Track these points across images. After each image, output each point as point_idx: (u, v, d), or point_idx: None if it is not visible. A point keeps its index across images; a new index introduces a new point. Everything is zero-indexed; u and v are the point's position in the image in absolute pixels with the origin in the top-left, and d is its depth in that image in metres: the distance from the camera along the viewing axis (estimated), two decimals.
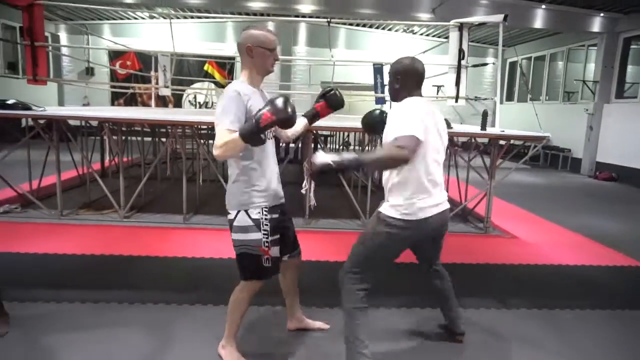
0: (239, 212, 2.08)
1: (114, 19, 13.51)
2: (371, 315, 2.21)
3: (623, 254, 4.40)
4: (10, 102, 4.37)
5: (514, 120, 11.91)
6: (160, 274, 3.41)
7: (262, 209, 2.08)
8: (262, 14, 11.72)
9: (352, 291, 2.16)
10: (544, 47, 12.69)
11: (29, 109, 4.47)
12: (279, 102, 1.83)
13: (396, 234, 2.10)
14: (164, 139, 7.77)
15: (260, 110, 1.84)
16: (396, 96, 2.21)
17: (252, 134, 1.84)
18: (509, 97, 14.61)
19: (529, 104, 10.10)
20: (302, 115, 2.42)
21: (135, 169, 7.35)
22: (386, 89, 8.96)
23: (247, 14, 12.56)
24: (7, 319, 2.47)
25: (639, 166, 9.15)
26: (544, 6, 9.58)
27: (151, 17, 13.42)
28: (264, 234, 2.08)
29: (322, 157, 1.82)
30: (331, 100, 2.39)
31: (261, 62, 2.07)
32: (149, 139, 8.09)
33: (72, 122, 5.83)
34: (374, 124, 2.51)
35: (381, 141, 2.29)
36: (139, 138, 7.41)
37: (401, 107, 2.10)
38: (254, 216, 2.07)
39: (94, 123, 6.81)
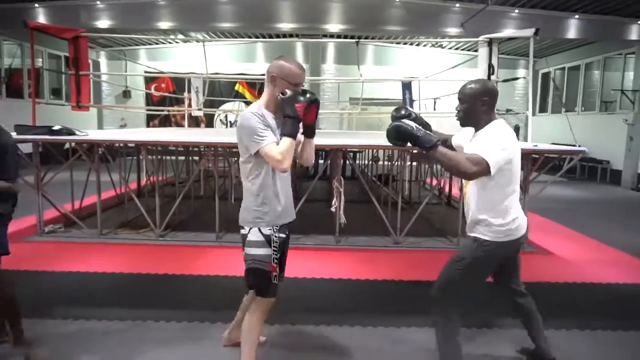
0: (251, 228, 2.16)
1: (150, 44, 14.12)
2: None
3: None
4: (56, 128, 4.62)
5: (548, 132, 11.61)
6: (196, 292, 3.49)
7: (272, 226, 2.15)
8: (291, 35, 11.99)
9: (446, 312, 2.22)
10: (579, 56, 12.38)
11: (73, 134, 4.71)
12: (298, 92, 2.01)
13: (490, 255, 2.16)
14: (196, 158, 7.98)
15: (290, 107, 1.98)
16: (478, 120, 2.17)
17: (295, 128, 2.00)
18: (543, 109, 14.27)
19: (563, 116, 9.84)
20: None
21: (170, 188, 7.58)
22: (415, 104, 8.96)
23: (277, 36, 12.89)
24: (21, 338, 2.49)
25: None
26: (577, 16, 9.38)
27: (184, 41, 13.94)
28: (273, 251, 2.15)
29: (409, 123, 2.01)
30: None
31: None
32: (182, 158, 8.35)
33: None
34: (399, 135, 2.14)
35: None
36: (173, 157, 7.67)
37: (493, 131, 2.09)
38: (265, 232, 2.14)
39: (132, 144, 7.09)
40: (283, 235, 2.20)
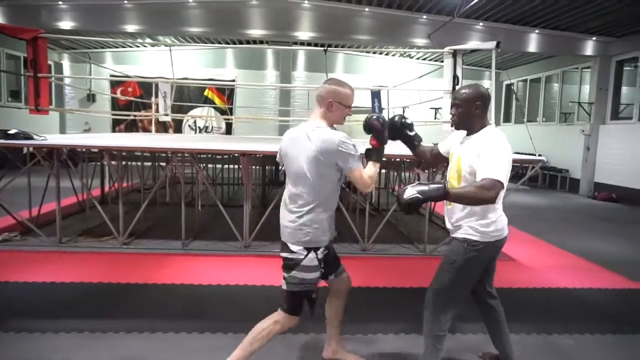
0: (309, 251, 2.11)
1: (116, 47, 13.78)
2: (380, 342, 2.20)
3: (624, 276, 4.38)
4: (12, 131, 4.43)
5: (511, 141, 11.99)
6: (158, 302, 3.40)
7: (323, 248, 2.16)
8: (261, 42, 11.97)
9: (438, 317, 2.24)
10: (540, 69, 12.90)
11: (31, 138, 4.53)
12: (380, 119, 2.21)
13: (480, 256, 2.20)
14: (163, 164, 7.82)
15: (380, 132, 2.18)
16: (472, 124, 2.22)
17: (382, 154, 2.20)
18: (507, 119, 14.75)
19: (525, 126, 10.22)
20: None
21: (135, 194, 7.39)
22: (384, 112, 9.08)
23: (248, 42, 12.83)
24: None
25: (637, 186, 9.17)
26: (537, 31, 9.79)
27: (152, 45, 13.69)
28: (321, 272, 2.18)
29: (410, 192, 1.94)
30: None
31: (336, 116, 2.17)
32: (149, 163, 8.16)
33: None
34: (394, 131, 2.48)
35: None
36: (139, 163, 7.48)
37: (491, 139, 2.14)
38: (319, 256, 2.13)
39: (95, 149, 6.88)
40: (327, 252, 2.23)
